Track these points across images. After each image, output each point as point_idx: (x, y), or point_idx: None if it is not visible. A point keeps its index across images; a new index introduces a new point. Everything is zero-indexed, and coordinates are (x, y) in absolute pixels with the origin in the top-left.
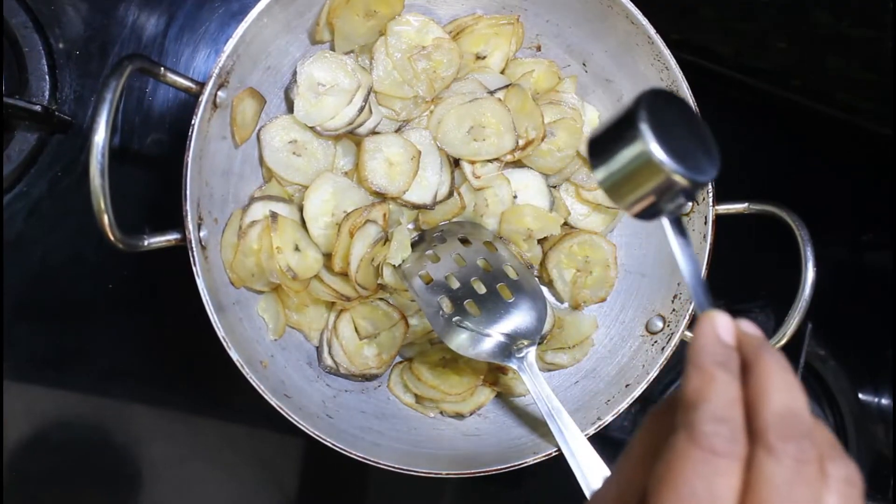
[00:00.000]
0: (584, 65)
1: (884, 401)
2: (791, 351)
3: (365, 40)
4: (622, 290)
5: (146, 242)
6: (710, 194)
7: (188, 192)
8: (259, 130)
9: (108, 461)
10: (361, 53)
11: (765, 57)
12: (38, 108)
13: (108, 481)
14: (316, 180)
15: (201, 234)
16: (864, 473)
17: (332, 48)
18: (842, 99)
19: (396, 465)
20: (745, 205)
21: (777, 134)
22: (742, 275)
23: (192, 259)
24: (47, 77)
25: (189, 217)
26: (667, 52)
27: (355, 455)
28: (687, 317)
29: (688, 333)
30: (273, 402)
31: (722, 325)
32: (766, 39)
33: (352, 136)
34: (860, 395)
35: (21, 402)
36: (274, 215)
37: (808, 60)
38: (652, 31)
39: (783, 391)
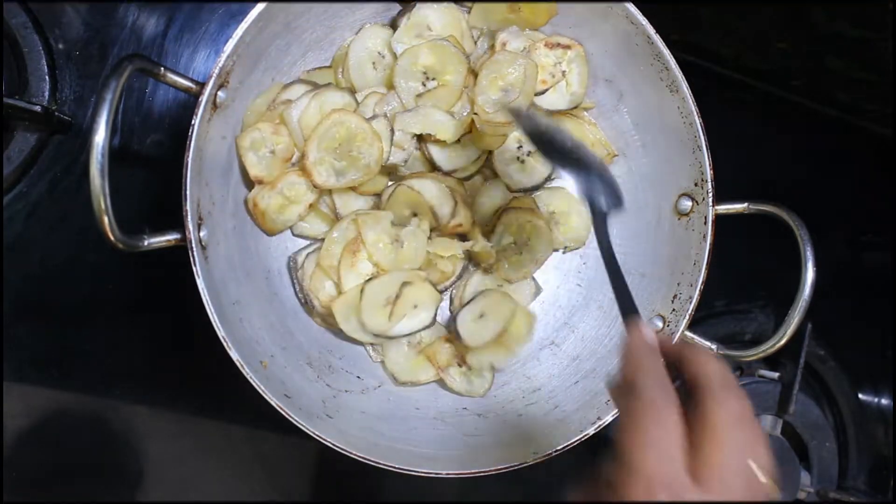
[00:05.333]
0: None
1: (884, 401)
2: (791, 351)
3: (495, 26)
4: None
5: (146, 242)
6: (710, 194)
7: (188, 193)
8: None
9: (108, 460)
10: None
11: (765, 57)
12: (37, 108)
13: (108, 480)
14: None
15: (201, 233)
16: (864, 472)
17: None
18: (841, 99)
19: (396, 466)
20: (745, 205)
21: (777, 134)
22: (742, 275)
23: (192, 259)
24: (47, 77)
25: (189, 217)
26: (666, 52)
27: (355, 455)
28: (687, 317)
29: (688, 333)
30: (273, 401)
31: (645, 329)
32: (766, 40)
33: None
34: (860, 396)
35: (21, 401)
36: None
37: (807, 61)
38: (651, 30)
39: (716, 363)
